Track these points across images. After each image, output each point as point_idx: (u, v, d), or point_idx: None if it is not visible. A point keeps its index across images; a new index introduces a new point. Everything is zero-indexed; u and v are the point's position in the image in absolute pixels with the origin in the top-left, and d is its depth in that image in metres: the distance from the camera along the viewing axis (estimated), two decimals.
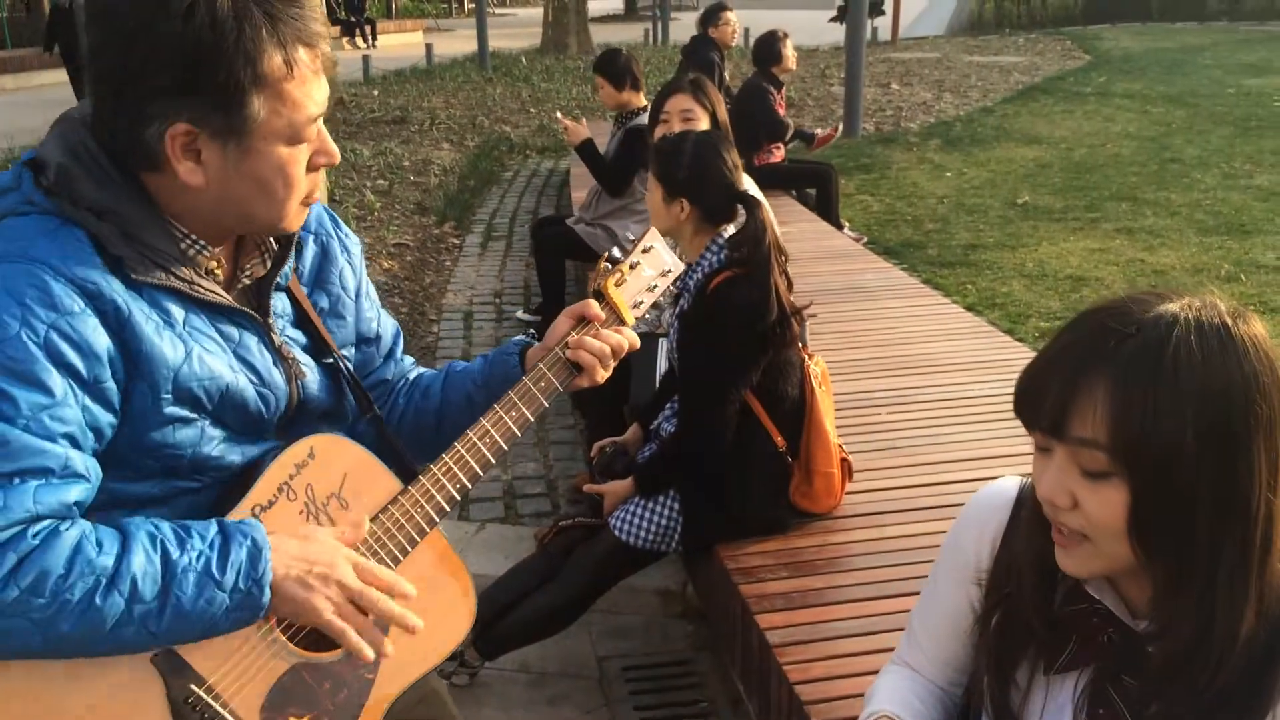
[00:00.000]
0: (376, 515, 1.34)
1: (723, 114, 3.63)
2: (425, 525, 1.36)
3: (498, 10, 35.50)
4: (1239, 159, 9.37)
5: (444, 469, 1.37)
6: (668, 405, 2.89)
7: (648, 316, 3.75)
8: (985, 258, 6.56)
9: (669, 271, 1.59)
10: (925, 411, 3.48)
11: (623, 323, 1.52)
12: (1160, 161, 9.34)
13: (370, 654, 1.26)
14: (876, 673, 1.49)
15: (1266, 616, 1.09)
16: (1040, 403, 1.09)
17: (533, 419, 1.44)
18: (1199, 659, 1.08)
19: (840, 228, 6.78)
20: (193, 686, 1.23)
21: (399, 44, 25.27)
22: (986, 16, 26.95)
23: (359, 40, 24.43)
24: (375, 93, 14.90)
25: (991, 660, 1.26)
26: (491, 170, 9.94)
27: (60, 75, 15.29)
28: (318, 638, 1.31)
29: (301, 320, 1.41)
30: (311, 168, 1.27)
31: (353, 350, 1.51)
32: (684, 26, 25.30)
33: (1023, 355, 4.06)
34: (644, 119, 5.23)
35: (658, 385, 3.18)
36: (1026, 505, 1.24)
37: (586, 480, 3.49)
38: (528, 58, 19.87)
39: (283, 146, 1.22)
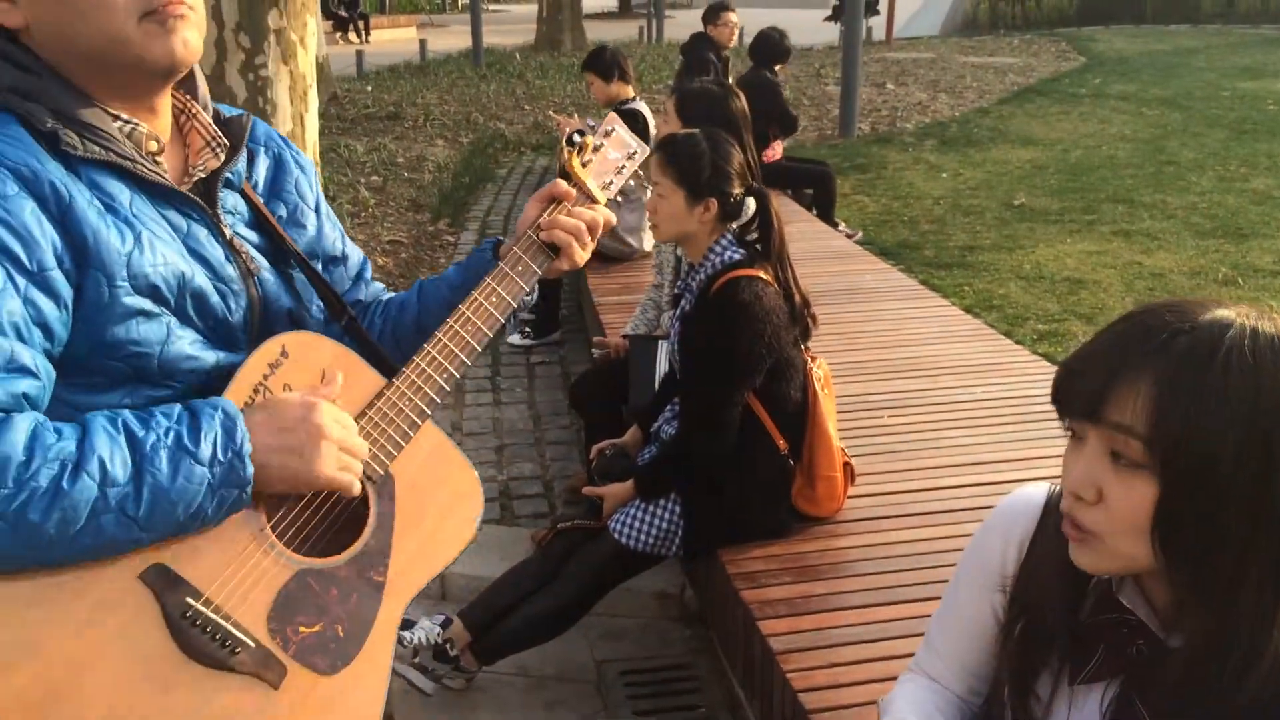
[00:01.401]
0: (363, 410, 1.28)
1: (741, 111, 3.56)
2: (417, 418, 1.29)
3: (492, 7, 35.40)
4: (1234, 162, 9.37)
5: (427, 359, 1.32)
6: (668, 407, 2.86)
7: (647, 318, 3.73)
8: (982, 259, 6.55)
9: (635, 154, 1.53)
10: (926, 415, 3.46)
11: (594, 201, 1.47)
12: (1156, 164, 9.33)
13: (355, 487, 1.23)
14: (881, 680, 1.46)
15: None
16: (1080, 386, 1.06)
17: (513, 303, 1.38)
18: (1223, 671, 1.05)
19: (835, 227, 6.75)
20: (189, 600, 1.14)
21: (392, 39, 25.18)
22: (981, 17, 26.95)
23: (352, 36, 24.31)
24: (369, 88, 14.83)
25: (1013, 670, 1.23)
26: (486, 167, 9.89)
27: None
28: (315, 544, 1.26)
29: (258, 222, 1.36)
30: None
31: (319, 264, 1.46)
32: (679, 24, 25.27)
33: (1022, 358, 4.04)
34: (634, 106, 5.25)
35: (657, 387, 3.15)
36: (1054, 511, 1.21)
37: (584, 481, 3.47)
38: (522, 54, 19.81)
39: None
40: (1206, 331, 1.02)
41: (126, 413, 1.11)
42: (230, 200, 1.33)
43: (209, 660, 1.14)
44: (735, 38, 8.13)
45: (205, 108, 1.33)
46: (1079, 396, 1.07)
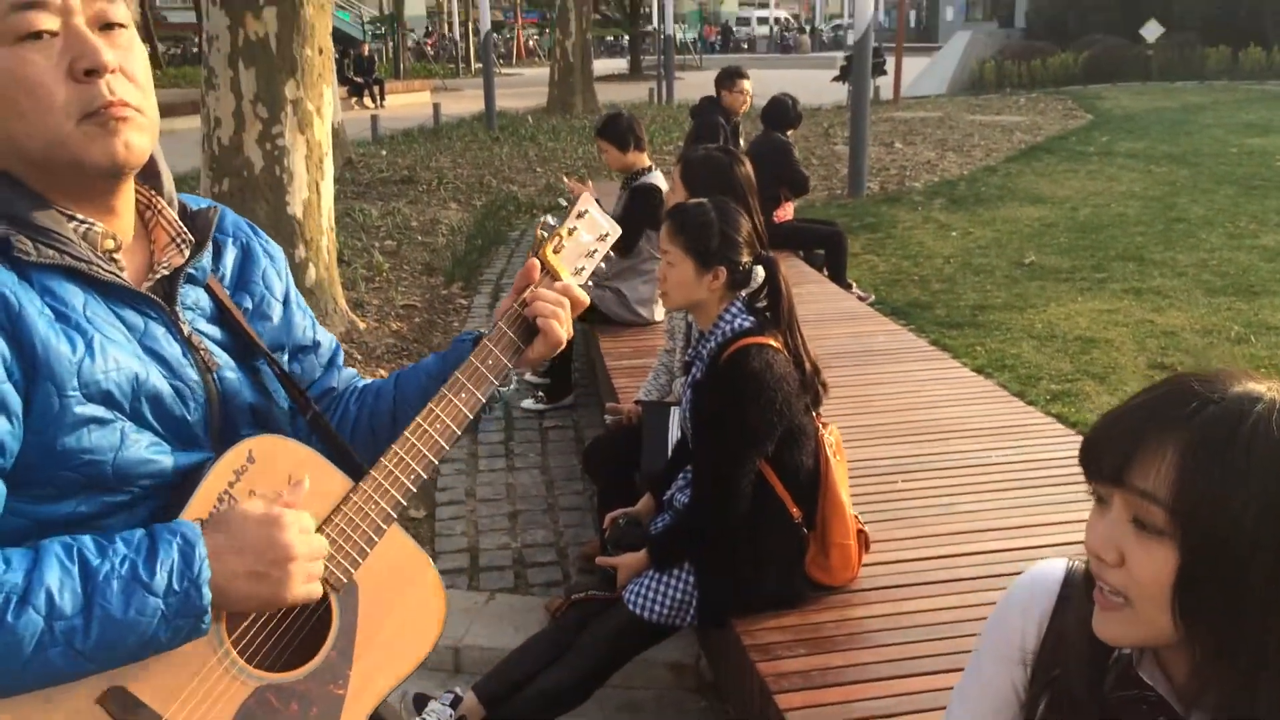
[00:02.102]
0: (329, 517, 1.26)
1: (747, 176, 3.59)
2: (382, 523, 1.28)
3: (504, 70, 35.99)
4: (1244, 218, 9.39)
5: (395, 461, 1.29)
6: (681, 475, 2.86)
7: (659, 383, 3.74)
8: (993, 318, 6.55)
9: (606, 235, 1.52)
10: (940, 480, 3.44)
11: None
12: (1166, 221, 9.36)
13: (318, 590, 1.20)
14: None
15: None
16: (1107, 451, 1.07)
17: (483, 399, 1.35)
18: None
19: (848, 288, 6.78)
20: None
21: (407, 104, 25.58)
22: (987, 76, 27.23)
23: (367, 101, 24.74)
24: (384, 153, 15.04)
25: None
26: (499, 230, 9.99)
27: None
28: (276, 657, 1.25)
29: (222, 317, 1.34)
30: (73, 75, 1.12)
31: (286, 358, 1.44)
32: (689, 85, 25.63)
33: (1037, 421, 4.03)
34: (650, 178, 5.27)
35: (670, 454, 3.15)
36: (1078, 585, 1.21)
37: (597, 549, 3.45)
38: (534, 117, 20.10)
39: (1, 49, 1.10)
40: (1235, 404, 1.03)
41: (86, 538, 1.09)
42: (192, 296, 1.31)
43: None
44: (747, 105, 8.18)
45: (170, 203, 1.32)
46: (1105, 460, 1.08)
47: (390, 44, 35.90)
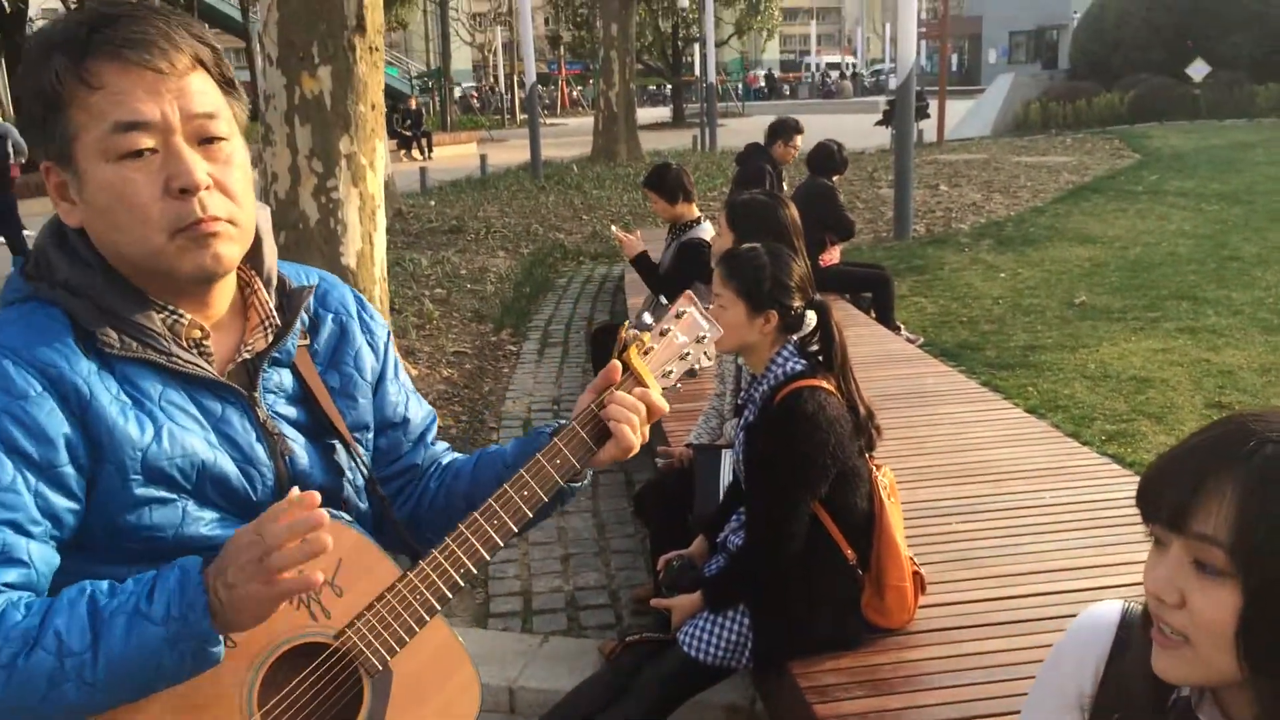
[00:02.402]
0: (371, 604, 1.26)
1: (794, 221, 3.63)
2: (425, 613, 1.28)
3: (549, 120, 36.50)
4: None
5: (446, 553, 1.30)
6: (734, 517, 2.87)
7: (710, 427, 3.76)
8: (1045, 359, 6.50)
9: (704, 338, 1.49)
10: (995, 521, 3.42)
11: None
12: (1219, 259, 9.25)
13: (314, 578, 1.12)
14: None
15: None
16: (1164, 494, 1.07)
17: (545, 497, 1.35)
18: None
19: (896, 330, 6.77)
20: None
21: (454, 155, 26.02)
22: (1032, 117, 27.16)
23: (416, 153, 25.20)
24: (432, 203, 15.30)
25: None
26: (546, 277, 10.10)
27: None
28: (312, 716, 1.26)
29: (304, 397, 1.38)
30: (169, 191, 1.19)
31: (370, 434, 1.47)
32: (732, 133, 25.81)
33: (1090, 461, 3.98)
34: (700, 232, 5.30)
35: (721, 497, 3.16)
36: (1135, 627, 1.21)
37: (650, 591, 3.46)
38: (579, 166, 20.33)
39: (105, 164, 1.18)
40: None
41: (101, 583, 1.15)
42: (275, 378, 1.36)
43: None
44: (793, 159, 8.17)
45: (269, 280, 1.38)
46: (1164, 505, 1.08)
47: (437, 97, 36.59)
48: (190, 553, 1.20)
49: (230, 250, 1.25)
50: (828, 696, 2.45)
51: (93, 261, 1.25)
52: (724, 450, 3.33)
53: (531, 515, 1.35)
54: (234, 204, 1.24)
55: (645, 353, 1.45)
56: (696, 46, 33.60)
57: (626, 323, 1.50)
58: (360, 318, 1.48)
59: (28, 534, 1.15)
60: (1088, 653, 1.28)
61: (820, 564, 2.62)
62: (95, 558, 1.21)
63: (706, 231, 5.29)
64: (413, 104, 26.55)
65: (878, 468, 2.75)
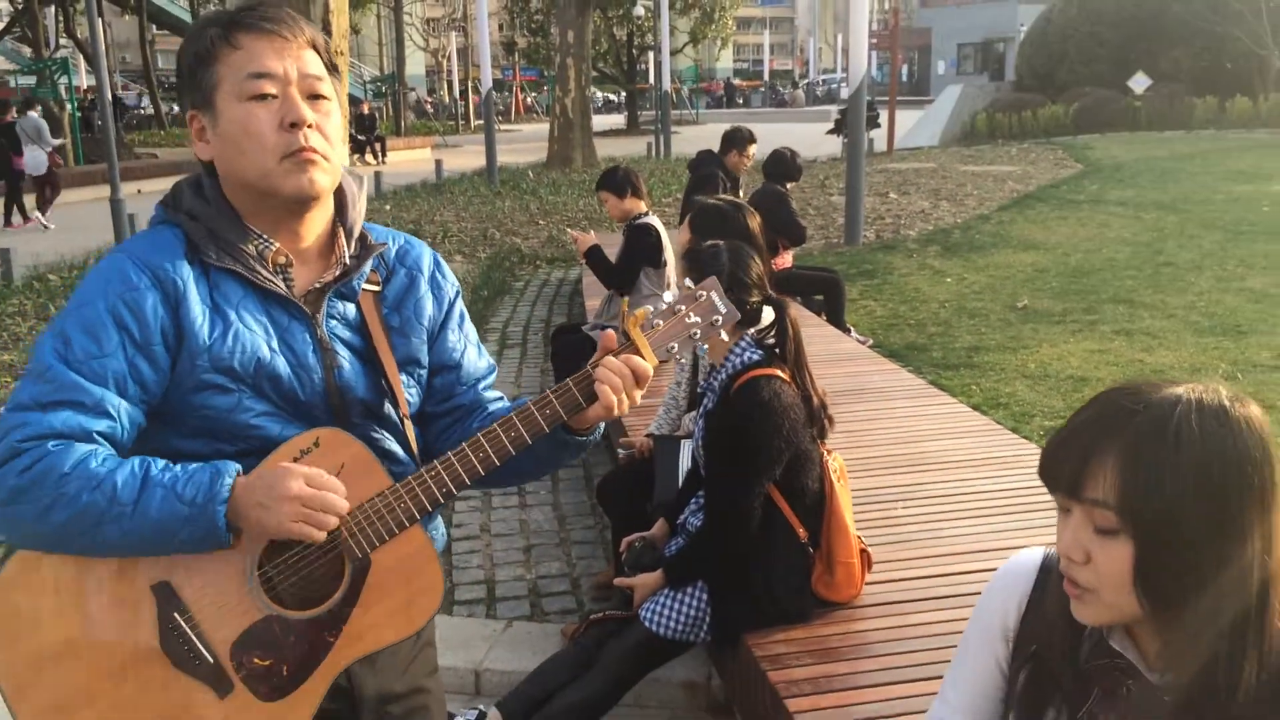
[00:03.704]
0: (362, 504, 1.52)
1: (756, 228, 3.80)
2: (405, 519, 1.53)
3: (503, 126, 36.54)
4: (1231, 262, 9.62)
5: (433, 473, 1.54)
6: (693, 501, 3.04)
7: (670, 418, 3.92)
8: (988, 360, 6.75)
9: (719, 320, 1.59)
10: (936, 506, 3.62)
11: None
12: (1155, 266, 9.59)
13: (320, 535, 1.46)
14: None
15: (1268, 668, 1.22)
16: (1060, 467, 1.25)
17: (529, 440, 1.55)
18: (1205, 706, 1.21)
19: (847, 332, 6.98)
20: (177, 615, 1.49)
21: (408, 160, 26.01)
22: (979, 127, 27.73)
23: (369, 157, 25.16)
24: (388, 207, 15.34)
25: (1020, 712, 1.39)
26: (504, 281, 10.22)
27: None
28: (292, 600, 1.53)
29: (362, 328, 1.64)
30: (282, 126, 1.51)
31: (423, 370, 1.72)
32: (685, 139, 26.07)
33: (1028, 451, 4.20)
34: (646, 219, 5.52)
35: (681, 483, 3.32)
36: (1055, 569, 1.39)
37: (610, 577, 3.61)
38: (534, 171, 20.44)
39: (238, 103, 1.51)
40: (1158, 409, 1.21)
41: (159, 460, 1.47)
42: (340, 307, 1.63)
43: (178, 662, 1.49)
44: (746, 170, 8.34)
45: (350, 233, 1.67)
46: (1060, 477, 1.26)
47: (391, 102, 36.50)
48: (237, 436, 1.53)
49: (322, 179, 1.55)
50: (780, 664, 2.62)
51: (212, 199, 1.58)
52: (682, 440, 3.49)
53: (513, 451, 1.55)
54: (329, 144, 1.55)
55: (652, 327, 1.59)
56: (651, 54, 33.90)
57: (624, 304, 1.65)
58: (432, 275, 1.74)
59: (122, 393, 1.47)
60: (1012, 592, 1.47)
61: (774, 542, 2.79)
62: (165, 429, 1.53)
63: (655, 221, 5.50)
64: (365, 109, 26.51)
65: (828, 453, 2.92)
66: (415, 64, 51.89)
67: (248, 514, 1.44)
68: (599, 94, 47.50)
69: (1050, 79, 31.49)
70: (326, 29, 5.69)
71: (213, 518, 1.43)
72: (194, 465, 1.47)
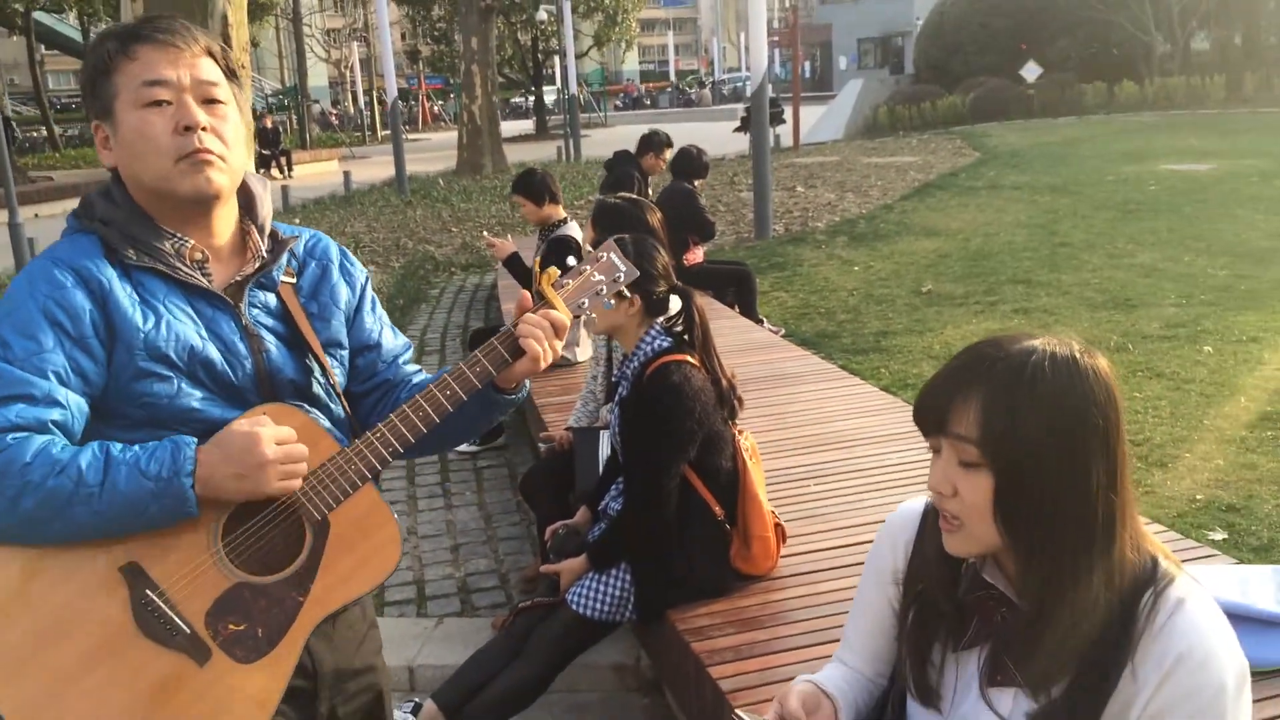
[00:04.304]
0: (314, 470, 1.61)
1: (656, 224, 3.92)
2: (357, 479, 1.63)
3: (411, 136, 36.24)
4: (1121, 240, 10.05)
5: (378, 435, 1.64)
6: (613, 487, 3.14)
7: (588, 410, 4.02)
8: (896, 343, 6.98)
9: (620, 277, 1.78)
10: (846, 481, 3.78)
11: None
12: (1050, 246, 9.97)
13: (297, 485, 1.57)
14: None
15: (1118, 591, 1.37)
16: (930, 410, 1.39)
17: (463, 395, 1.67)
18: (1060, 625, 1.35)
19: (760, 323, 7.15)
20: (149, 592, 1.55)
21: (315, 173, 25.69)
22: (880, 120, 28.32)
23: (275, 172, 24.78)
24: (297, 220, 15.16)
25: (910, 645, 1.53)
26: (419, 289, 10.22)
27: None
28: (257, 564, 1.61)
29: (284, 315, 1.73)
30: (177, 130, 1.58)
31: (345, 351, 1.82)
32: (595, 143, 26.16)
33: None
34: (567, 229, 5.58)
35: (601, 472, 3.43)
36: (931, 515, 1.53)
37: (536, 572, 3.70)
38: (445, 180, 20.36)
39: (134, 111, 1.58)
40: (1017, 357, 1.35)
41: (115, 443, 1.53)
42: (261, 297, 1.72)
43: (155, 637, 1.55)
44: (661, 171, 8.50)
45: (262, 230, 1.76)
46: (929, 417, 1.40)
47: (294, 115, 35.96)
48: (180, 422, 1.60)
49: (220, 179, 1.62)
50: (704, 636, 2.74)
51: (122, 203, 1.65)
52: (601, 431, 3.60)
53: (450, 409, 1.67)
54: (225, 146, 1.62)
55: (560, 287, 1.75)
56: (556, 59, 33.94)
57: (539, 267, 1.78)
58: (341, 263, 1.85)
59: (66, 384, 1.54)
60: (899, 538, 1.60)
61: (692, 521, 2.91)
62: (106, 424, 1.58)
63: (573, 229, 5.57)
64: (268, 122, 26.09)
65: (740, 433, 3.05)
66: (317, 76, 51.16)
67: (222, 485, 1.52)
68: (509, 99, 47.39)
69: (947, 71, 32.32)
70: (226, 42, 5.66)
71: (180, 489, 1.50)
72: (153, 443, 1.53)
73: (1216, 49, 30.04)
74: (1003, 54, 29.85)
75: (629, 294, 2.92)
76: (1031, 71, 26.03)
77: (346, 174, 20.47)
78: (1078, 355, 1.36)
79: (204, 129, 1.59)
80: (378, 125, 41.03)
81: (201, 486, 1.52)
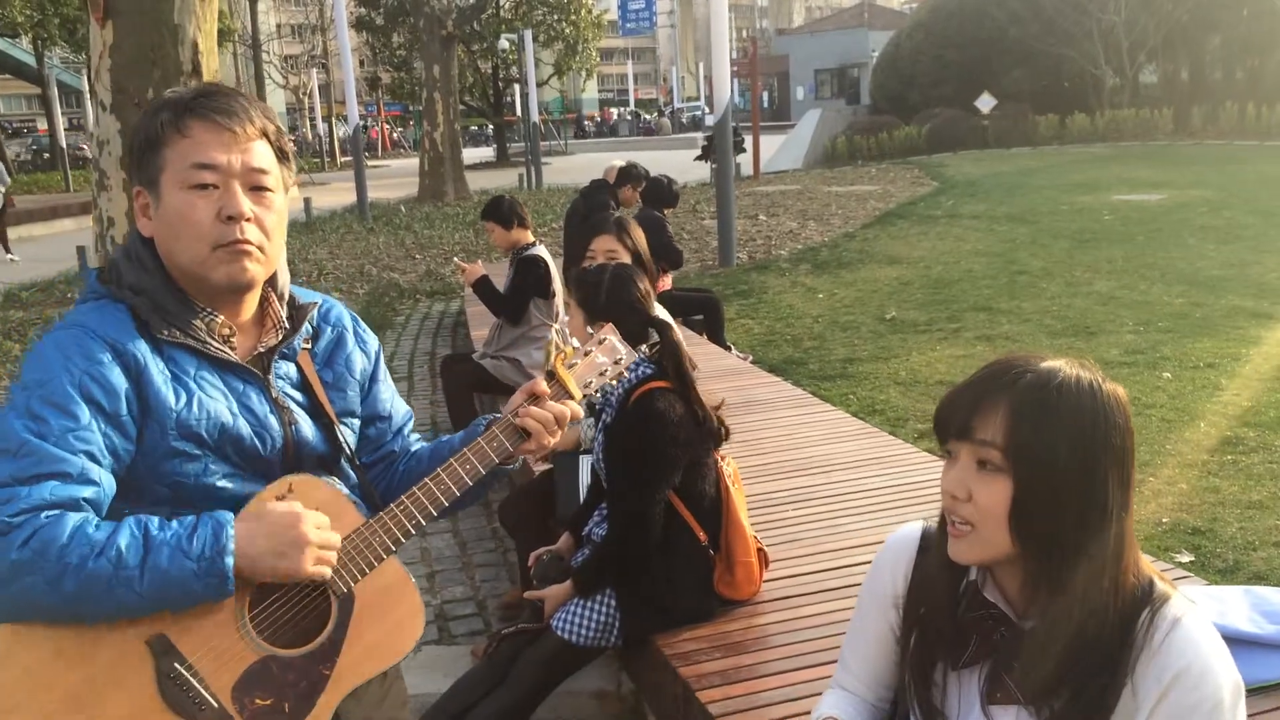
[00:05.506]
0: (341, 542, 1.61)
1: (644, 249, 3.96)
2: (383, 552, 1.64)
3: (371, 163, 36.12)
4: (1079, 269, 10.25)
5: (401, 507, 1.67)
6: (596, 512, 3.15)
7: (577, 431, 4.03)
8: (862, 369, 7.06)
9: (621, 360, 1.86)
10: (824, 506, 3.81)
11: (570, 398, 1.82)
12: (1010, 274, 10.15)
13: (328, 573, 1.57)
14: None
15: (1120, 611, 1.41)
16: (954, 414, 1.44)
17: (482, 470, 1.72)
18: (1062, 639, 1.39)
19: (727, 349, 7.21)
20: (176, 664, 1.52)
21: None
22: (839, 150, 28.68)
23: None
24: None
25: (913, 667, 1.56)
26: (385, 316, 10.18)
27: None
28: (284, 638, 1.60)
29: (304, 385, 1.74)
30: (220, 217, 1.56)
31: (357, 421, 1.83)
32: (555, 170, 26.24)
33: (906, 451, 4.45)
34: (534, 251, 5.63)
35: (582, 498, 3.44)
36: (933, 537, 1.56)
37: (515, 597, 3.69)
38: (407, 206, 20.32)
39: (180, 191, 1.56)
40: (1045, 372, 1.42)
41: (154, 518, 1.50)
42: (284, 368, 1.73)
43: (182, 712, 1.52)
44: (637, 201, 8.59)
45: (282, 296, 1.76)
46: (953, 421, 1.45)
47: None
48: (204, 498, 1.59)
49: (255, 270, 1.62)
50: (689, 660, 2.75)
51: (153, 270, 1.62)
52: (581, 455, 3.61)
53: (470, 484, 1.72)
54: (265, 237, 1.62)
55: (570, 367, 1.82)
56: (517, 87, 34.04)
57: (552, 341, 1.86)
58: (355, 330, 1.86)
59: (99, 463, 1.51)
60: (899, 561, 1.64)
61: (677, 546, 2.93)
62: (126, 499, 1.55)
63: (542, 251, 5.62)
64: None
65: (722, 459, 3.08)
66: (275, 102, 50.95)
67: (259, 562, 1.51)
68: (469, 127, 47.45)
69: (903, 101, 32.83)
70: (196, 71, 5.65)
71: (223, 570, 1.48)
72: (189, 518, 1.51)
73: (1164, 83, 30.74)
74: (956, 85, 30.37)
75: (598, 320, 2.95)
76: (985, 103, 26.51)
77: (307, 200, 20.36)
78: (1100, 380, 1.43)
79: (247, 219, 1.58)
80: (337, 152, 40.86)
81: (240, 564, 1.50)
